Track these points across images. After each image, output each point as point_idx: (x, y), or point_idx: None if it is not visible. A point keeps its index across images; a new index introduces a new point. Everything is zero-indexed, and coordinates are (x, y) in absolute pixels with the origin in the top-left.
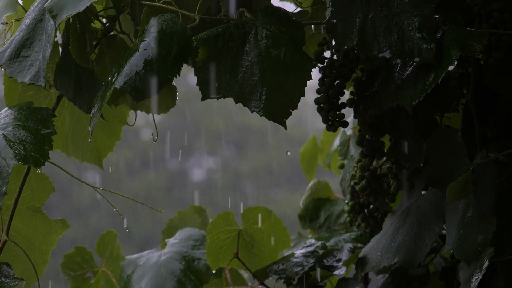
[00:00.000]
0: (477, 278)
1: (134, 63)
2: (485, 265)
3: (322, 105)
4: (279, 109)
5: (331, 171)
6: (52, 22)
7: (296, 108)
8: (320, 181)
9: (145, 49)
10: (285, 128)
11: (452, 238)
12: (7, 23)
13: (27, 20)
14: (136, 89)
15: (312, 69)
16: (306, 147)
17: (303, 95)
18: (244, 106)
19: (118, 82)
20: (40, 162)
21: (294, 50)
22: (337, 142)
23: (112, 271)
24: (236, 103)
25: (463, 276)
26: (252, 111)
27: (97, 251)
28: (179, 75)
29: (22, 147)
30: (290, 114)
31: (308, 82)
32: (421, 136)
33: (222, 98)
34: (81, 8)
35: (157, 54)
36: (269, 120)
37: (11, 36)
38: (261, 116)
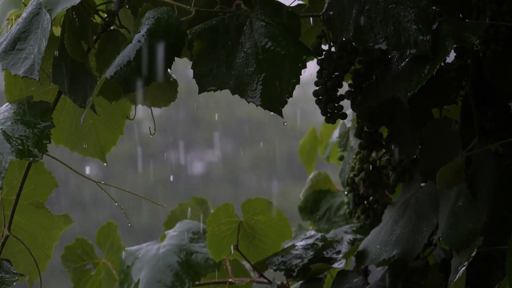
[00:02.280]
0: (463, 266)
1: (126, 54)
2: (473, 253)
3: (320, 97)
4: (274, 98)
5: (331, 163)
6: (48, 16)
7: (292, 96)
8: (321, 173)
9: (138, 41)
10: (282, 117)
11: (443, 226)
12: (8, 19)
13: (24, 14)
14: (126, 80)
15: (309, 59)
16: (305, 139)
17: (298, 83)
18: (241, 97)
19: (109, 72)
20: (38, 156)
21: (289, 39)
22: (336, 134)
23: (113, 263)
24: (233, 94)
25: (454, 265)
26: (248, 102)
27: (97, 243)
28: (170, 69)
29: (20, 142)
30: (286, 102)
31: (309, 75)
32: (416, 128)
33: (219, 91)
34: (76, 1)
35: (149, 47)
36: (265, 110)
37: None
38: (257, 106)
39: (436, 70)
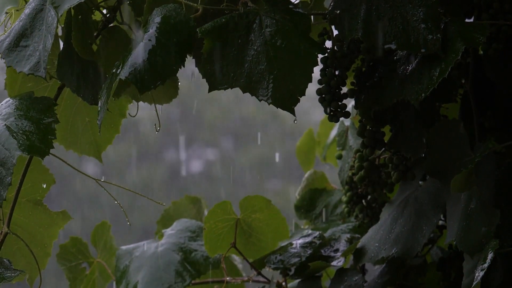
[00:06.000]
0: (481, 270)
1: (139, 54)
2: (490, 256)
3: (323, 95)
4: (287, 97)
5: (327, 161)
6: (53, 13)
7: (304, 94)
8: (317, 171)
9: (149, 40)
10: (294, 115)
11: (454, 229)
12: (7, 13)
13: (27, 10)
14: (141, 80)
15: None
16: (302, 141)
17: (311, 81)
18: (252, 95)
19: (123, 73)
20: (45, 151)
21: (299, 36)
22: (333, 134)
23: (106, 262)
24: (244, 92)
25: (466, 267)
26: (260, 100)
27: (92, 242)
28: (183, 66)
29: (25, 137)
30: (298, 101)
31: None
32: (422, 127)
33: (230, 89)
34: None
35: (161, 45)
36: (277, 108)
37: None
38: (269, 104)
39: (448, 72)
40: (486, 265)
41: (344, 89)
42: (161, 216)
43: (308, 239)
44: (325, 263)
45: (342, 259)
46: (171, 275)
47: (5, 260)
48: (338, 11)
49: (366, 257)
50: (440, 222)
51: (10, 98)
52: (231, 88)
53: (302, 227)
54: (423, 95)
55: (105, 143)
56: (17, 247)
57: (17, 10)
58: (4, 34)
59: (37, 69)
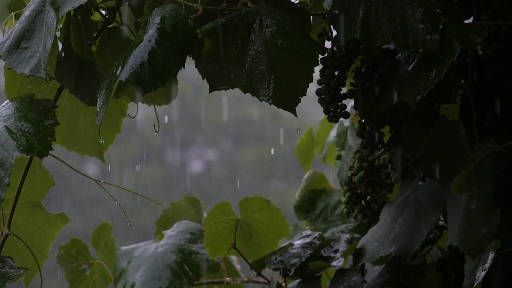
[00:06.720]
0: (483, 270)
1: (139, 55)
2: (490, 257)
3: (323, 96)
4: (288, 97)
5: (327, 162)
6: (52, 14)
7: (305, 94)
8: (316, 172)
9: (149, 41)
10: (295, 115)
11: (455, 230)
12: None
13: (26, 12)
14: (141, 81)
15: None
16: (302, 140)
17: (311, 81)
18: (253, 95)
19: (124, 75)
20: (44, 153)
21: (299, 36)
22: (333, 134)
23: (107, 263)
24: (245, 93)
25: (467, 268)
26: (261, 100)
27: (93, 243)
28: (184, 67)
29: (24, 138)
30: (299, 101)
31: None
32: (421, 127)
33: (230, 89)
34: (84, 0)
35: (161, 46)
36: (278, 108)
37: (10, 28)
38: (270, 104)
39: (444, 73)
40: (487, 265)
41: (344, 90)
42: (160, 217)
43: (308, 240)
44: (325, 264)
45: (341, 260)
46: (169, 276)
47: (7, 259)
48: (337, 11)
49: (365, 257)
50: (440, 223)
51: (11, 100)
52: (232, 89)
53: (302, 227)
54: (419, 96)
55: (107, 143)
56: (15, 248)
57: (17, 12)
58: (4, 36)
59: (37, 70)
